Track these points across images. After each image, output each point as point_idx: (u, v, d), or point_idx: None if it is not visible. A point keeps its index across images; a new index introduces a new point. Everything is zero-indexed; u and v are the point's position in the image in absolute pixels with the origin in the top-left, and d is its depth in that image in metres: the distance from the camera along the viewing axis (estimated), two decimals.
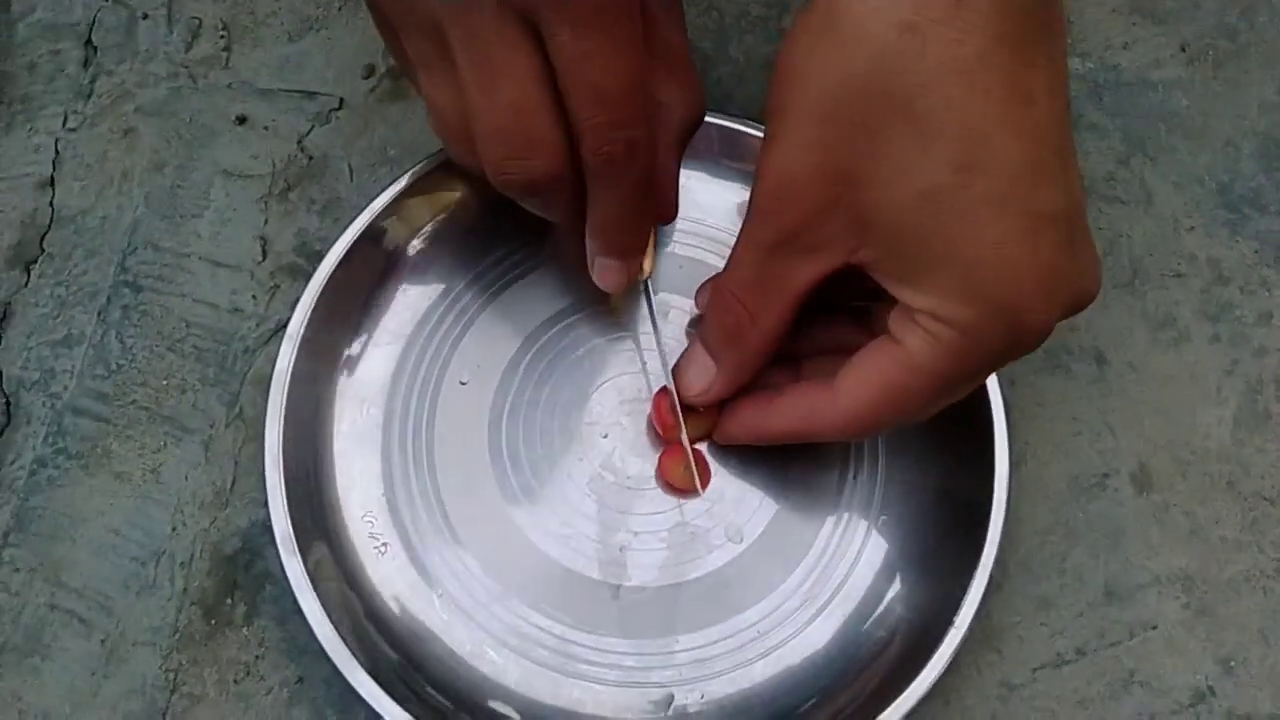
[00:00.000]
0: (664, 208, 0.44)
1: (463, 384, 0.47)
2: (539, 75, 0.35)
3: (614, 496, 0.46)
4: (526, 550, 0.45)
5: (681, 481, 0.46)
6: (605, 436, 0.47)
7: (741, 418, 0.43)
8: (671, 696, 0.44)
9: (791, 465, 0.46)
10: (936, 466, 0.46)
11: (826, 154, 0.34)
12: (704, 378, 0.43)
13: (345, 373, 0.47)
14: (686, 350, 0.44)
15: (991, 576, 0.42)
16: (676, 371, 0.45)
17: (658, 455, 0.46)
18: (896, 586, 0.45)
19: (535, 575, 0.45)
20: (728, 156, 0.50)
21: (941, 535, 0.45)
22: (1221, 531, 0.48)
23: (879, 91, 0.32)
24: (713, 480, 0.46)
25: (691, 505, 0.46)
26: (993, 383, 0.44)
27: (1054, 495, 0.48)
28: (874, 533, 0.46)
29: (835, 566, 0.45)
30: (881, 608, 0.45)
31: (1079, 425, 0.49)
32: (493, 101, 0.36)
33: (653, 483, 0.46)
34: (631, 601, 0.45)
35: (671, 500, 0.46)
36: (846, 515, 0.46)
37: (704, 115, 0.43)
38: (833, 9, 0.33)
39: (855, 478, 0.47)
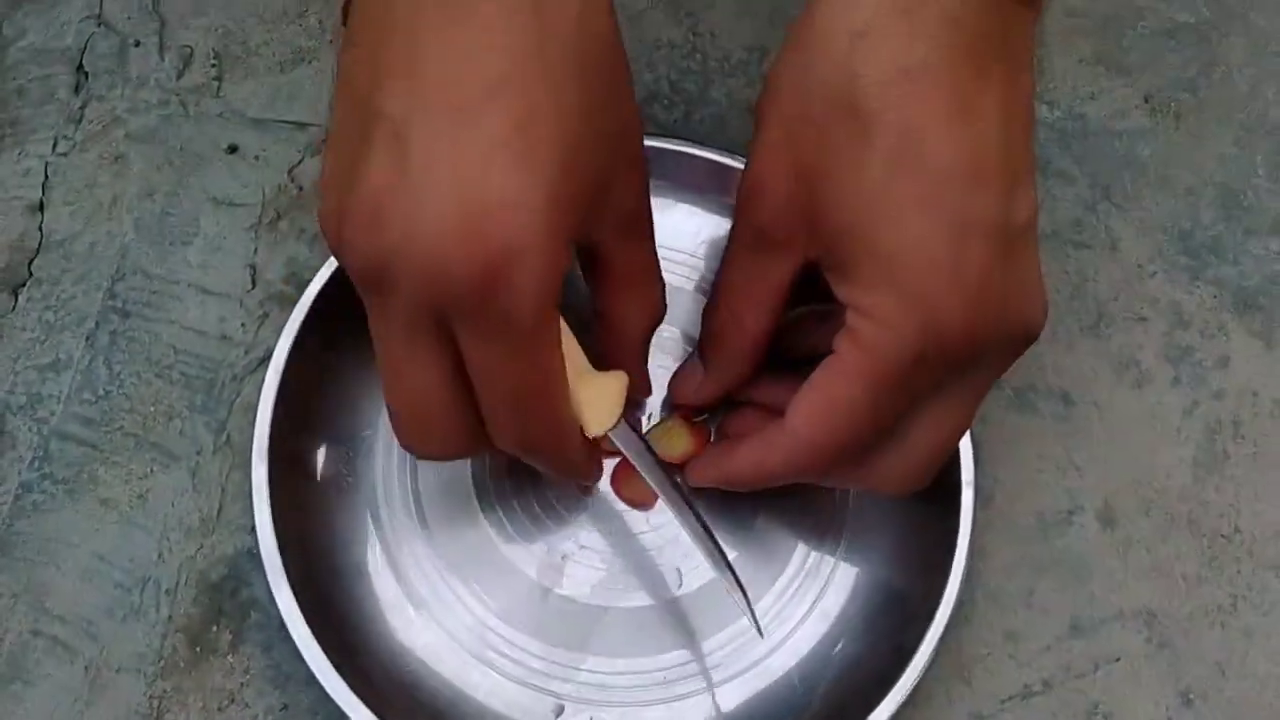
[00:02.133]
0: (635, 391, 0.43)
1: None
2: (443, 371, 0.34)
3: (570, 505, 0.46)
4: (488, 548, 0.45)
5: (632, 492, 0.46)
6: None
7: (708, 458, 0.43)
8: (562, 708, 0.43)
9: (757, 518, 0.46)
10: (900, 520, 0.46)
11: (789, 154, 0.35)
12: (694, 379, 0.43)
13: (333, 399, 0.46)
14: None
15: (961, 609, 0.42)
16: (673, 378, 0.45)
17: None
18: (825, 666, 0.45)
19: (488, 569, 0.45)
20: (715, 190, 0.50)
21: (905, 582, 0.45)
22: (1182, 568, 0.48)
23: (833, 94, 0.33)
24: (673, 527, 0.46)
25: (645, 537, 0.46)
26: None
27: (1022, 530, 0.48)
28: (825, 594, 0.45)
29: (772, 632, 0.45)
30: (798, 689, 0.44)
31: (1046, 463, 0.49)
32: (394, 394, 0.35)
33: (612, 500, 0.46)
34: (557, 609, 0.44)
35: (628, 526, 0.46)
36: (798, 582, 0.46)
37: (662, 318, 0.42)
38: (801, 23, 0.35)
39: (820, 539, 0.46)
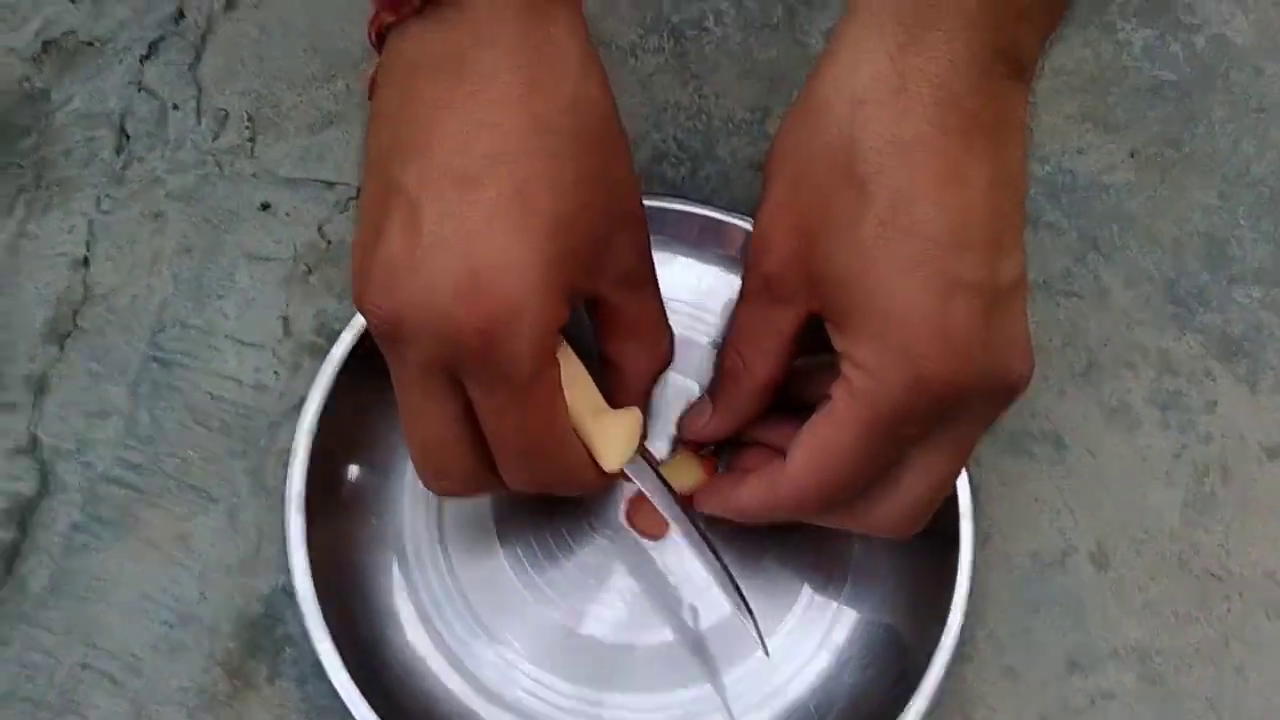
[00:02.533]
0: None
1: None
2: (454, 416, 0.37)
3: (587, 543, 0.48)
4: (511, 589, 0.47)
5: (645, 524, 0.48)
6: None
7: (716, 489, 0.45)
8: None
9: (765, 556, 0.48)
10: (903, 560, 0.47)
11: (793, 212, 0.38)
12: (703, 416, 0.45)
13: (362, 444, 0.48)
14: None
15: (962, 646, 0.44)
16: (683, 415, 0.47)
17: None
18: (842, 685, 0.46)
19: (513, 612, 0.47)
20: (713, 244, 0.52)
21: (908, 622, 0.47)
22: (1174, 606, 0.50)
23: (833, 158, 0.36)
24: (688, 564, 0.48)
25: (663, 574, 0.48)
26: None
27: (1018, 570, 0.50)
28: (834, 630, 0.47)
29: (786, 663, 0.47)
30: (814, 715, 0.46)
31: (1041, 505, 0.51)
32: (412, 436, 0.39)
33: (628, 537, 0.48)
34: (580, 648, 0.46)
35: (645, 563, 0.48)
36: (809, 616, 0.48)
37: (668, 365, 0.44)
38: (806, 90, 0.37)
39: (827, 577, 0.48)
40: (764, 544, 0.48)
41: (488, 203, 0.34)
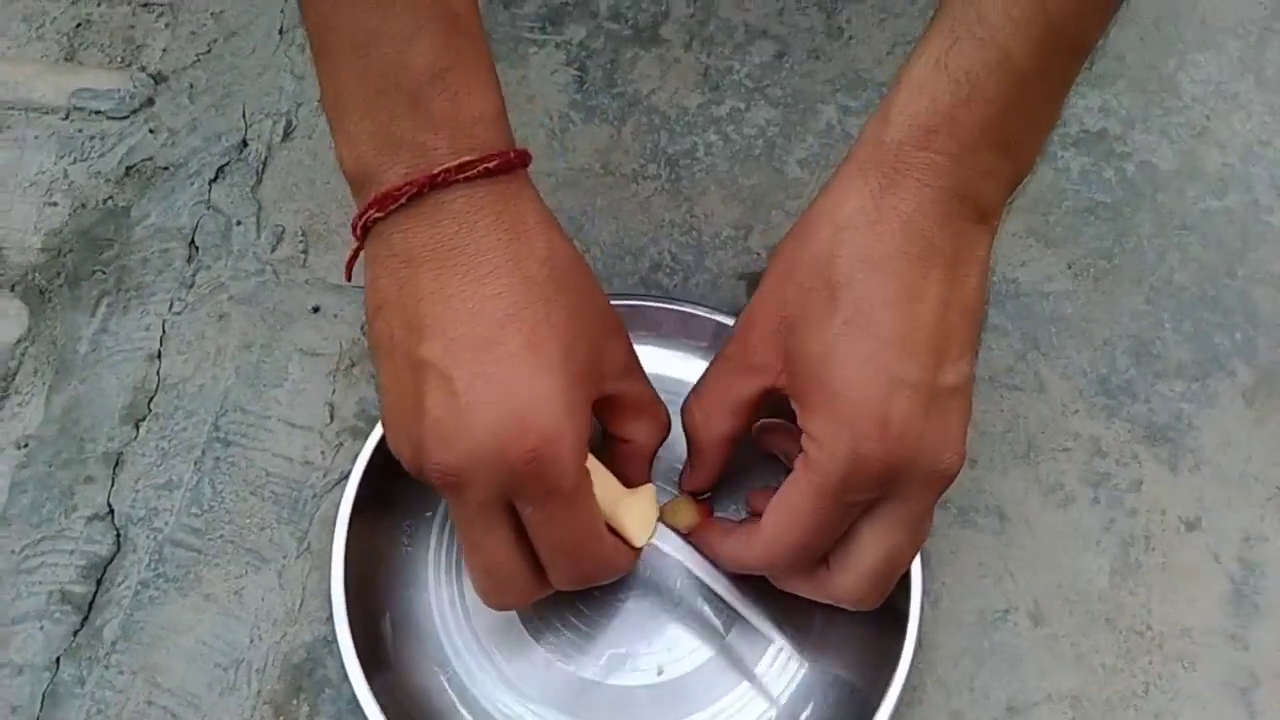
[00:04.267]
0: None
1: None
2: (510, 539, 0.42)
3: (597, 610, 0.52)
4: (530, 649, 0.51)
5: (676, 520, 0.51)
6: None
7: (705, 537, 0.49)
8: None
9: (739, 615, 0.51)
10: (862, 617, 0.51)
11: (778, 303, 0.43)
12: (688, 470, 0.50)
13: (398, 513, 0.53)
14: None
15: (914, 692, 0.48)
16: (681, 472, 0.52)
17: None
18: None
19: (534, 670, 0.50)
20: (684, 335, 0.58)
21: (864, 671, 0.50)
22: (1101, 659, 0.54)
23: (816, 266, 0.41)
24: (661, 619, 0.52)
25: (636, 628, 0.52)
26: None
27: (965, 626, 0.54)
28: (798, 675, 0.51)
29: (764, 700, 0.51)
30: None
31: (985, 569, 0.55)
32: (473, 562, 0.43)
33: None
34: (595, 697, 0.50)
35: (624, 612, 0.52)
36: (779, 664, 0.51)
37: (668, 433, 0.49)
38: (805, 213, 0.43)
39: (796, 629, 0.51)
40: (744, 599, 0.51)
41: (509, 357, 0.39)
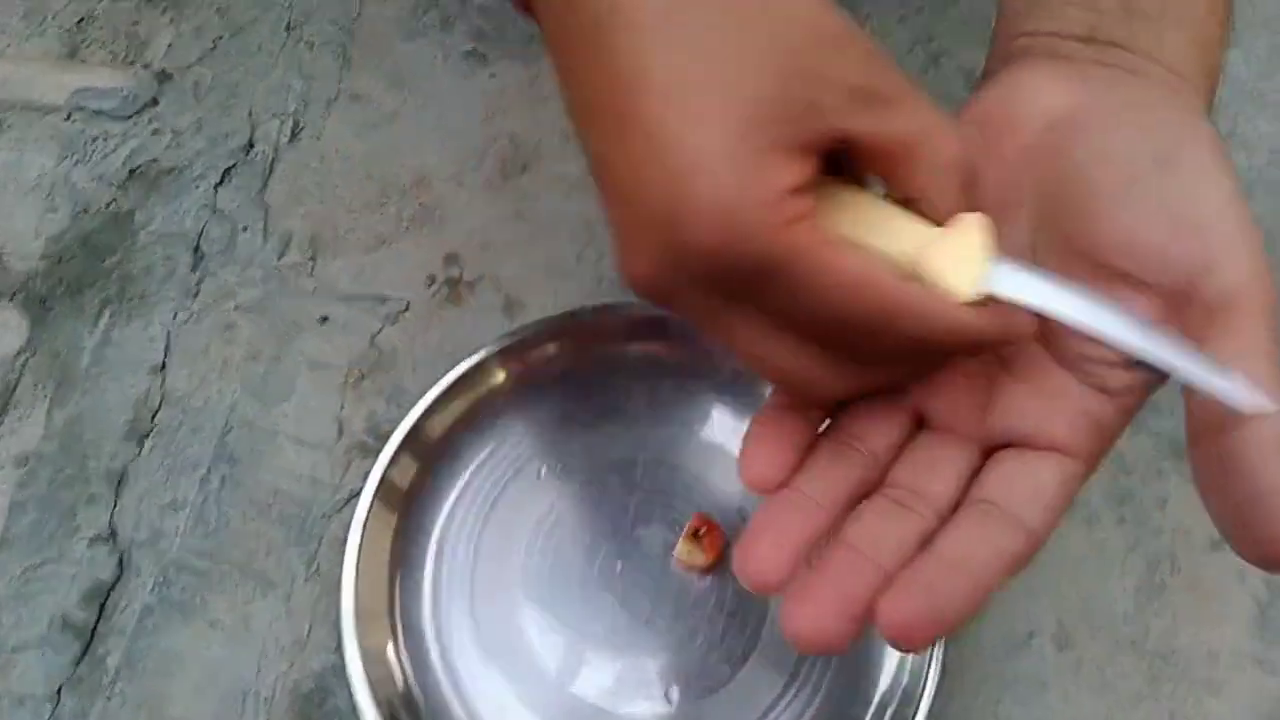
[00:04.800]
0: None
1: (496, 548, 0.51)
2: (777, 338, 0.31)
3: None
4: (529, 657, 0.49)
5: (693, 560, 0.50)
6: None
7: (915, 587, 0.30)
8: None
9: (754, 650, 0.50)
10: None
11: None
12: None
13: (409, 534, 0.51)
14: None
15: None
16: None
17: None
18: None
19: (558, 704, 0.49)
20: None
21: (888, 696, 0.48)
22: (1127, 685, 0.52)
23: None
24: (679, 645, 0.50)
25: (650, 653, 0.50)
26: None
27: (988, 651, 0.52)
28: (818, 696, 0.49)
29: None
30: None
31: (1008, 592, 0.53)
32: (766, 373, 0.32)
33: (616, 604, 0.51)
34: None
35: (637, 638, 0.50)
36: (796, 686, 0.49)
37: (962, 150, 0.31)
38: None
39: (812, 664, 0.50)
40: (758, 634, 0.50)
41: (648, 118, 0.28)
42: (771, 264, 0.28)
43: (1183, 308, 0.31)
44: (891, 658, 0.49)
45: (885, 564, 0.30)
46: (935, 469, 0.33)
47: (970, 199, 0.31)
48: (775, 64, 0.28)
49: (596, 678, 0.49)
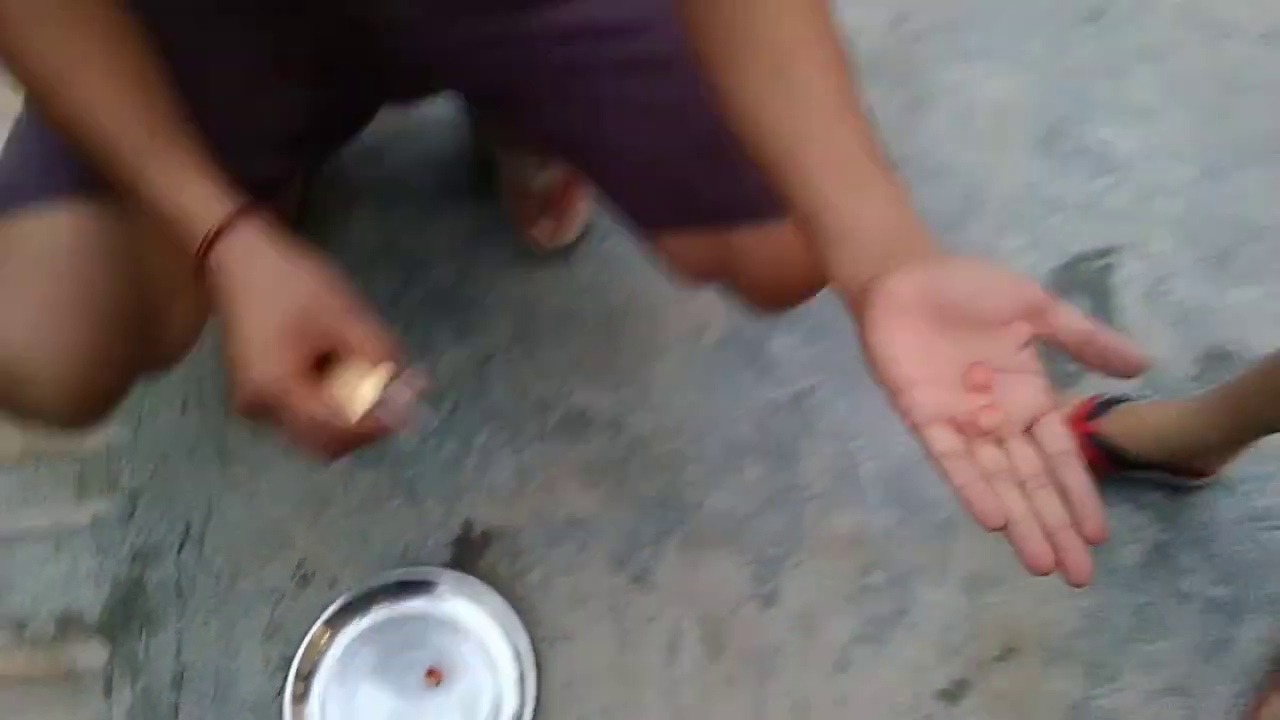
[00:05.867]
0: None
1: None
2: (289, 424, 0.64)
3: None
4: None
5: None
6: None
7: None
8: None
9: None
10: None
11: None
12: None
13: None
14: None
15: None
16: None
17: None
18: None
19: None
20: None
21: None
22: None
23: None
24: None
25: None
26: None
27: None
28: None
29: None
30: None
31: None
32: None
33: None
34: None
35: None
36: None
37: (385, 349, 0.65)
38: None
39: None
40: None
41: (237, 331, 0.63)
42: (276, 404, 0.62)
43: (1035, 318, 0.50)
44: None
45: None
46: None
47: (389, 356, 0.65)
48: (293, 310, 0.63)
49: None
